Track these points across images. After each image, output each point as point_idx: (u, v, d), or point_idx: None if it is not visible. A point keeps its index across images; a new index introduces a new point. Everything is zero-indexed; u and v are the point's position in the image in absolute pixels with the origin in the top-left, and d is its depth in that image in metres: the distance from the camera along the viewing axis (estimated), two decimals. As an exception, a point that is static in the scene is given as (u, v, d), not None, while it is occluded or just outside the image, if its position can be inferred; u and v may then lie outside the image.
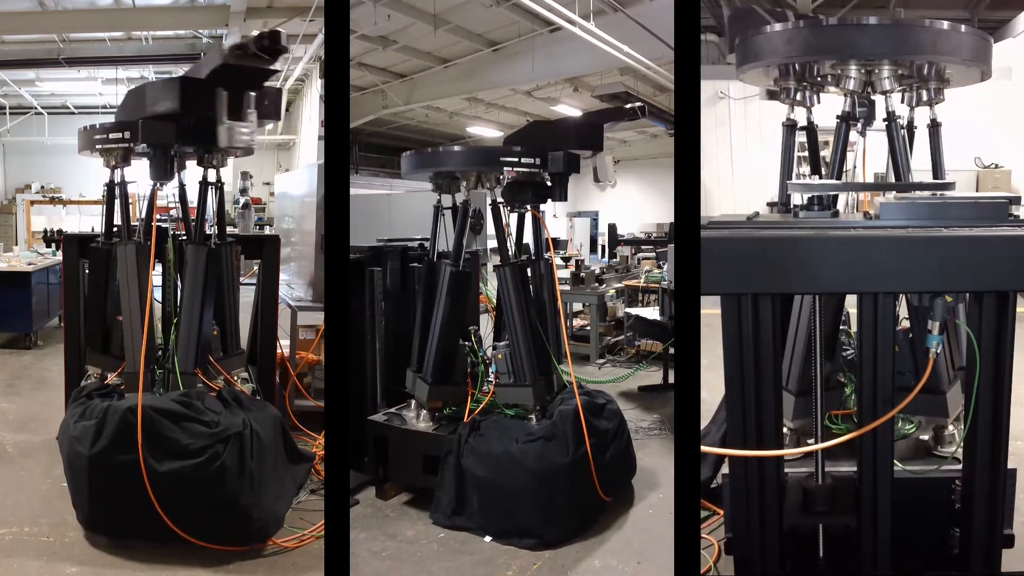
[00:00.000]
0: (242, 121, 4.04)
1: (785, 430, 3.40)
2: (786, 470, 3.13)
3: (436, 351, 4.80)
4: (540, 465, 4.23)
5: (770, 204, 4.00)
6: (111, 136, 4.59)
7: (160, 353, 4.66)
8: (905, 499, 3.00)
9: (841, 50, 3.28)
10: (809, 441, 3.30)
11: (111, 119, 4.92)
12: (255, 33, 3.81)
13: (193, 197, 4.86)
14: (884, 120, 3.58)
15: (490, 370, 4.77)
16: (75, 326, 5.36)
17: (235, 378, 4.71)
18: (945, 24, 3.16)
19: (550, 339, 4.83)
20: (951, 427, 3.47)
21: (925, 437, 3.54)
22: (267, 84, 4.29)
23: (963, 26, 3.25)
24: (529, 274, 4.92)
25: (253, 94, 4.09)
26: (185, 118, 4.32)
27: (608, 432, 4.63)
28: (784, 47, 3.29)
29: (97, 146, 4.70)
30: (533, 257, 4.99)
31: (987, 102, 12.79)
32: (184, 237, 4.86)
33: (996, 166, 13.77)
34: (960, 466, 3.06)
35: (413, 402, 4.93)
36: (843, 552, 3.13)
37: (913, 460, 3.37)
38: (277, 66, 4.30)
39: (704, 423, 4.38)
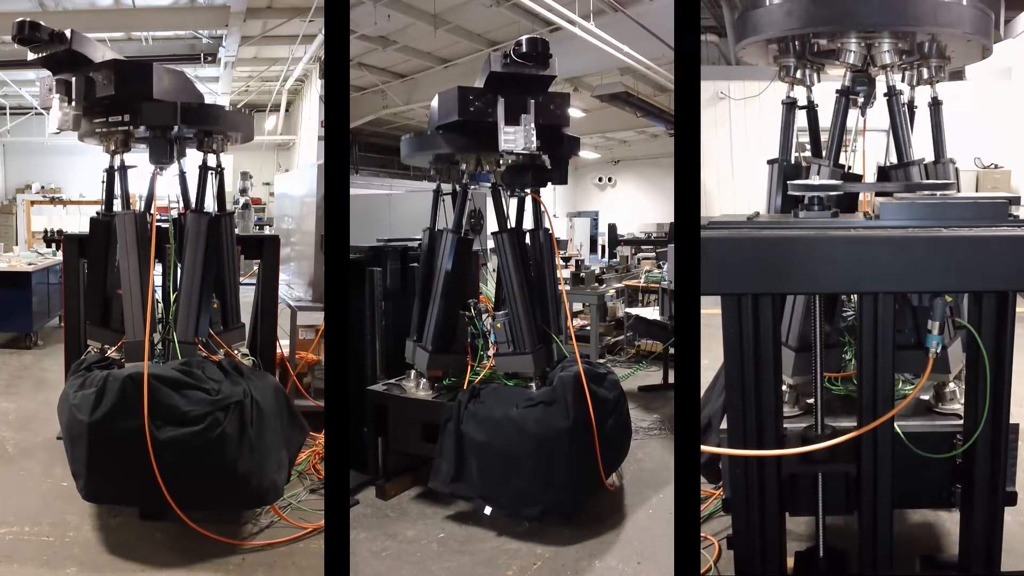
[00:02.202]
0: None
1: (784, 387, 3.39)
2: (785, 426, 3.12)
3: (436, 318, 4.78)
4: (540, 429, 4.19)
5: (770, 161, 3.98)
6: (110, 119, 4.57)
7: (160, 324, 4.64)
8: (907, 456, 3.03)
9: (841, 20, 3.27)
10: (808, 401, 3.30)
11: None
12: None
13: (193, 189, 4.85)
14: (885, 95, 3.57)
15: (489, 341, 4.74)
16: (75, 326, 5.35)
17: (235, 351, 4.69)
18: None
19: (549, 308, 4.82)
20: (952, 384, 3.46)
21: (926, 397, 3.53)
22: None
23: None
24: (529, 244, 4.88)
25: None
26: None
27: (608, 401, 4.58)
28: (783, 19, 3.29)
29: (97, 130, 4.67)
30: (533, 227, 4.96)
31: (987, 102, 12.82)
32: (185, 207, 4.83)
33: (996, 166, 13.77)
34: (961, 422, 3.07)
35: (412, 372, 4.92)
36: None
37: (914, 418, 3.37)
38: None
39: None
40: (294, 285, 7.27)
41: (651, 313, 7.82)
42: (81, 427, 3.93)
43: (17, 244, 14.50)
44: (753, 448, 2.91)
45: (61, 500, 4.47)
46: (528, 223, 5.01)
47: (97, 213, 5.02)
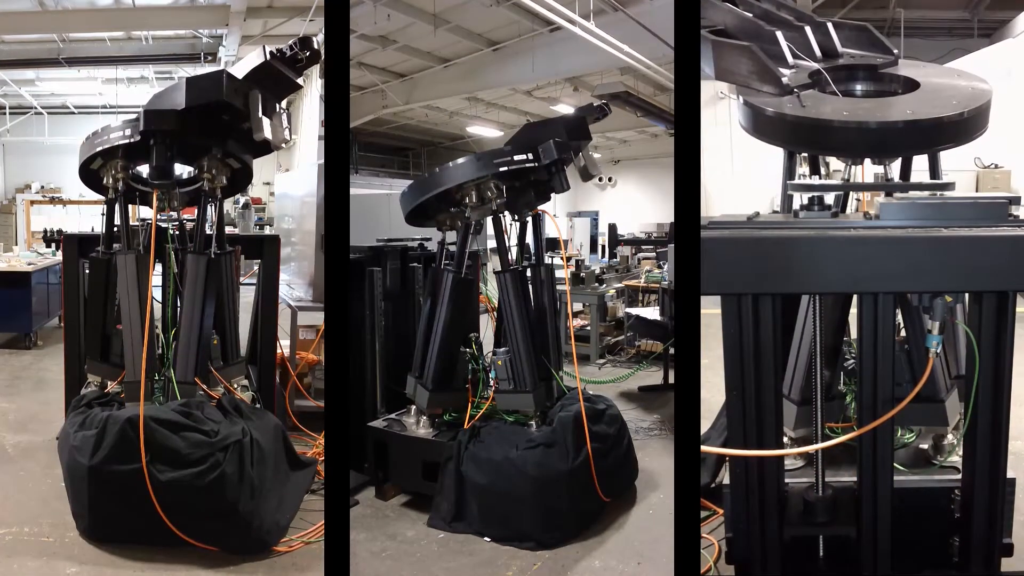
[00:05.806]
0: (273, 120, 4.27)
1: (786, 439, 3.39)
2: (787, 480, 3.12)
3: (437, 358, 4.79)
4: (540, 472, 4.22)
5: (774, 213, 4.02)
6: (112, 136, 4.56)
7: (160, 362, 4.65)
8: (904, 508, 2.99)
9: (841, 150, 3.30)
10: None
11: (111, 119, 4.90)
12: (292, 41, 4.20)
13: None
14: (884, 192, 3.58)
15: (490, 376, 4.75)
16: (75, 326, 5.36)
17: (235, 386, 4.71)
18: (949, 115, 3.13)
19: (549, 345, 4.82)
20: (950, 435, 3.44)
21: (924, 446, 3.52)
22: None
23: (965, 112, 3.19)
24: (530, 279, 4.90)
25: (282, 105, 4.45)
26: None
27: (609, 437, 4.61)
28: (788, 135, 3.29)
29: (97, 148, 4.66)
30: (534, 261, 4.98)
31: (987, 102, 12.80)
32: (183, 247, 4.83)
33: (996, 166, 13.75)
34: (959, 475, 3.04)
35: (413, 408, 4.92)
36: (844, 559, 3.12)
37: (913, 469, 3.35)
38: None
39: (704, 427, 4.37)
40: (294, 285, 7.27)
41: (651, 313, 7.83)
42: (82, 470, 3.96)
43: (17, 244, 14.50)
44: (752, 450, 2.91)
45: (61, 500, 4.46)
46: (530, 238, 5.02)
47: (96, 251, 5.00)
